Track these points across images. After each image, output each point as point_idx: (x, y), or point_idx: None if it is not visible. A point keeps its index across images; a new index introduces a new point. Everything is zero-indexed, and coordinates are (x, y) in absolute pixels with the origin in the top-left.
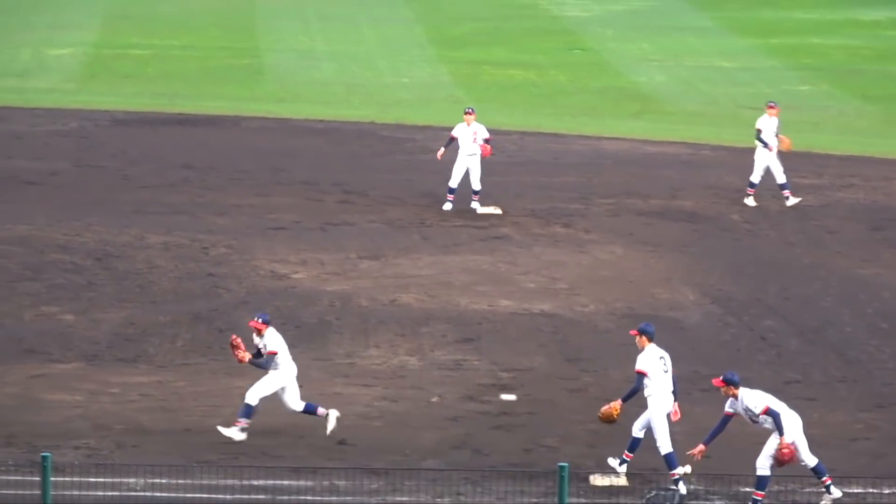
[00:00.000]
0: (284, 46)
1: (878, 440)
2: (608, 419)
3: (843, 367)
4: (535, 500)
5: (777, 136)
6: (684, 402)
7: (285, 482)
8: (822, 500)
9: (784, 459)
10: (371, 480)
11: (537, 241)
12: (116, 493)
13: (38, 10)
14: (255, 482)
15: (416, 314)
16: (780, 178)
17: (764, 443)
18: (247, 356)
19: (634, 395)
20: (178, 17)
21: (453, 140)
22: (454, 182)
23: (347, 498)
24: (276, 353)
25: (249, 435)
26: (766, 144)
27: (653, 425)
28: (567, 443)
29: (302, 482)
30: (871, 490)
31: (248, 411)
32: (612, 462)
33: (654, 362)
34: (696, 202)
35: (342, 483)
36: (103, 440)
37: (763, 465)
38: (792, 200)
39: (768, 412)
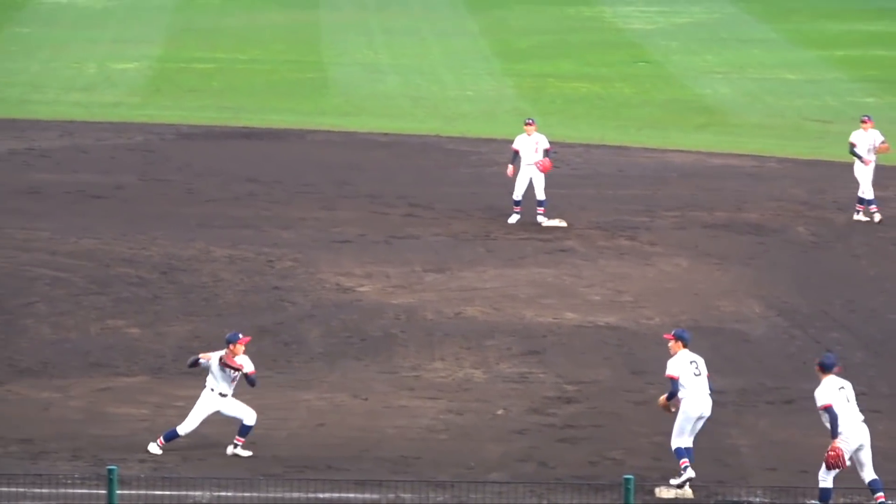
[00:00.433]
0: (349, 60)
1: None
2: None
3: None
4: None
5: (874, 147)
6: (749, 414)
7: (351, 495)
8: None
9: (828, 462)
10: (436, 493)
11: (602, 253)
12: None
13: (103, 24)
14: (321, 495)
15: (481, 327)
16: (866, 193)
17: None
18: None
19: (674, 398)
20: (242, 30)
21: (517, 153)
22: (518, 194)
23: None
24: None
25: (314, 448)
26: (860, 158)
27: (676, 419)
28: (632, 455)
29: (367, 495)
30: None
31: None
32: (675, 481)
33: (685, 367)
34: (761, 214)
35: (407, 496)
36: (169, 453)
37: (825, 477)
38: (860, 216)
39: (826, 409)
